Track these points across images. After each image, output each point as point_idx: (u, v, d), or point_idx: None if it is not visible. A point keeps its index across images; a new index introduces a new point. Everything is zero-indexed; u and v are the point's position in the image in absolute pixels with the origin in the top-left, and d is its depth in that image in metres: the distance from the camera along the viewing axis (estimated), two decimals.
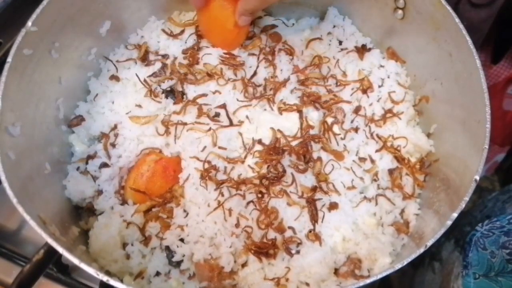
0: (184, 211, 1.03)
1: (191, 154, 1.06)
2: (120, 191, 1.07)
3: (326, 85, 1.17)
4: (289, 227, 1.00)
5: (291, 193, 1.03)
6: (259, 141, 1.07)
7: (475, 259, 1.01)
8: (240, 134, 1.08)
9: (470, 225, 1.17)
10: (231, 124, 1.09)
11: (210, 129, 1.08)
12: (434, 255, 1.22)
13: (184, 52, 1.20)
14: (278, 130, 1.08)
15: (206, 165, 1.04)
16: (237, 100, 1.12)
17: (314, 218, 1.01)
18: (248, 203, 1.01)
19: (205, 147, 1.06)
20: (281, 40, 1.24)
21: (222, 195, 1.01)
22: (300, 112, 1.10)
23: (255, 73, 1.15)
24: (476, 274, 1.00)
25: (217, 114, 1.10)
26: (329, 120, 1.11)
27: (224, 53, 1.17)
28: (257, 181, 1.02)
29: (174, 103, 1.13)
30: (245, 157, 1.06)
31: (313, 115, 1.11)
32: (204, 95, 1.12)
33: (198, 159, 1.05)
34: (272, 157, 1.04)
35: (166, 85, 1.15)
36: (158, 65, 1.18)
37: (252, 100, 1.11)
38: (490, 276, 0.99)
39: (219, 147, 1.06)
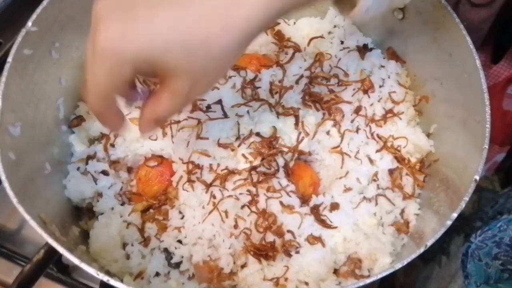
0: (180, 212, 1.02)
1: (179, 155, 1.06)
2: (120, 192, 1.07)
3: (328, 84, 1.17)
4: (288, 231, 0.99)
5: (284, 195, 1.02)
6: (257, 134, 1.06)
7: (473, 270, 1.05)
8: (238, 123, 1.07)
9: (481, 220, 1.18)
10: (226, 116, 1.07)
11: (199, 122, 1.07)
12: (443, 249, 1.23)
13: None
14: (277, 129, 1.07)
15: (190, 166, 1.03)
16: (236, 99, 1.11)
17: (325, 225, 1.01)
18: (242, 206, 1.00)
19: (188, 142, 1.05)
20: (284, 38, 1.25)
21: (214, 197, 1.00)
22: (296, 116, 1.09)
23: (256, 77, 1.15)
24: (477, 283, 1.03)
25: (209, 106, 1.09)
26: (329, 123, 1.11)
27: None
28: (245, 174, 1.01)
29: None
30: (239, 145, 1.05)
31: (310, 119, 1.10)
32: None
33: (182, 161, 1.04)
34: (269, 151, 1.03)
35: None
36: None
37: (252, 102, 1.11)
38: (490, 283, 1.02)
39: (201, 138, 1.04)
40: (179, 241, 1.00)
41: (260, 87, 1.14)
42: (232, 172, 1.02)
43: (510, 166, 1.57)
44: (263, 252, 0.96)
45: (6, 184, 0.84)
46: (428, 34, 1.11)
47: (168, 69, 0.62)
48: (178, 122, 1.08)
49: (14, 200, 0.83)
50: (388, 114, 1.15)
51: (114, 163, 1.10)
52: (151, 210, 1.05)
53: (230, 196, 1.00)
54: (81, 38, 1.12)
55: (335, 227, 1.01)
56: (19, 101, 0.96)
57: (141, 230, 1.02)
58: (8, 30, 1.26)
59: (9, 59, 0.93)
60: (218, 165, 1.04)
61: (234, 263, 0.98)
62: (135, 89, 0.74)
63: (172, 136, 1.08)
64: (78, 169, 1.10)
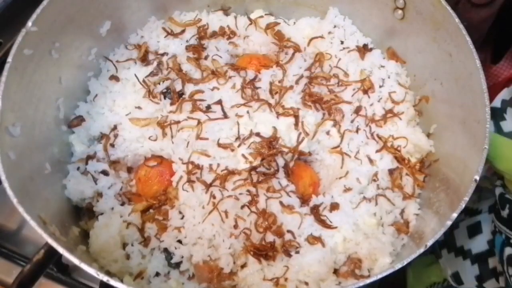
0: (180, 212, 1.02)
1: (179, 155, 1.06)
2: (120, 192, 1.07)
3: (329, 84, 1.17)
4: (288, 231, 0.99)
5: (284, 195, 1.02)
6: (257, 134, 1.06)
7: None
8: (238, 123, 1.07)
9: None
10: (225, 117, 1.07)
11: (199, 122, 1.07)
12: None
13: (188, 48, 1.20)
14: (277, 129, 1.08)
15: (190, 166, 1.03)
16: (235, 99, 1.11)
17: (325, 225, 1.01)
18: (242, 206, 1.00)
19: (188, 142, 1.05)
20: (284, 38, 1.25)
21: (214, 198, 1.00)
22: (296, 117, 1.09)
23: (256, 77, 1.15)
24: None
25: (209, 106, 1.10)
26: (329, 123, 1.11)
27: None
28: (245, 174, 1.01)
29: (171, 104, 1.13)
30: (239, 146, 1.05)
31: (310, 119, 1.11)
32: (201, 91, 1.12)
33: (182, 161, 1.04)
34: (269, 152, 1.03)
35: (163, 86, 1.15)
36: (156, 63, 1.18)
37: (252, 102, 1.11)
38: None
39: (201, 138, 1.05)
40: (179, 241, 1.00)
41: (260, 87, 1.14)
42: (232, 172, 1.02)
43: None
44: (263, 252, 0.97)
45: (6, 184, 0.84)
46: (428, 34, 1.11)
47: None
48: (178, 122, 1.08)
49: (14, 200, 0.83)
50: (388, 114, 1.15)
51: (114, 163, 1.10)
52: (151, 210, 1.05)
53: (230, 196, 1.00)
54: (81, 38, 1.12)
55: (335, 227, 1.01)
56: (19, 101, 0.96)
57: (141, 230, 1.02)
58: (8, 30, 1.26)
59: (9, 59, 0.93)
60: (218, 165, 1.04)
61: (234, 263, 0.98)
62: None
63: (172, 136, 1.08)
64: (78, 169, 1.10)
